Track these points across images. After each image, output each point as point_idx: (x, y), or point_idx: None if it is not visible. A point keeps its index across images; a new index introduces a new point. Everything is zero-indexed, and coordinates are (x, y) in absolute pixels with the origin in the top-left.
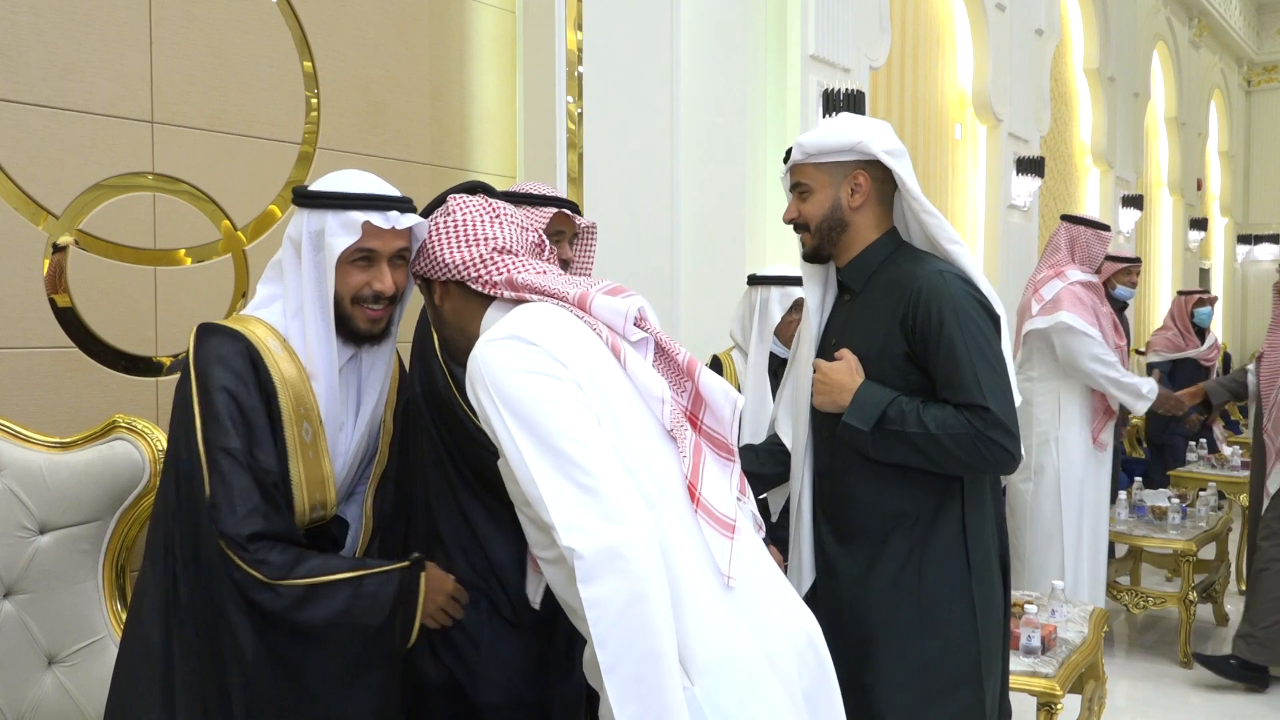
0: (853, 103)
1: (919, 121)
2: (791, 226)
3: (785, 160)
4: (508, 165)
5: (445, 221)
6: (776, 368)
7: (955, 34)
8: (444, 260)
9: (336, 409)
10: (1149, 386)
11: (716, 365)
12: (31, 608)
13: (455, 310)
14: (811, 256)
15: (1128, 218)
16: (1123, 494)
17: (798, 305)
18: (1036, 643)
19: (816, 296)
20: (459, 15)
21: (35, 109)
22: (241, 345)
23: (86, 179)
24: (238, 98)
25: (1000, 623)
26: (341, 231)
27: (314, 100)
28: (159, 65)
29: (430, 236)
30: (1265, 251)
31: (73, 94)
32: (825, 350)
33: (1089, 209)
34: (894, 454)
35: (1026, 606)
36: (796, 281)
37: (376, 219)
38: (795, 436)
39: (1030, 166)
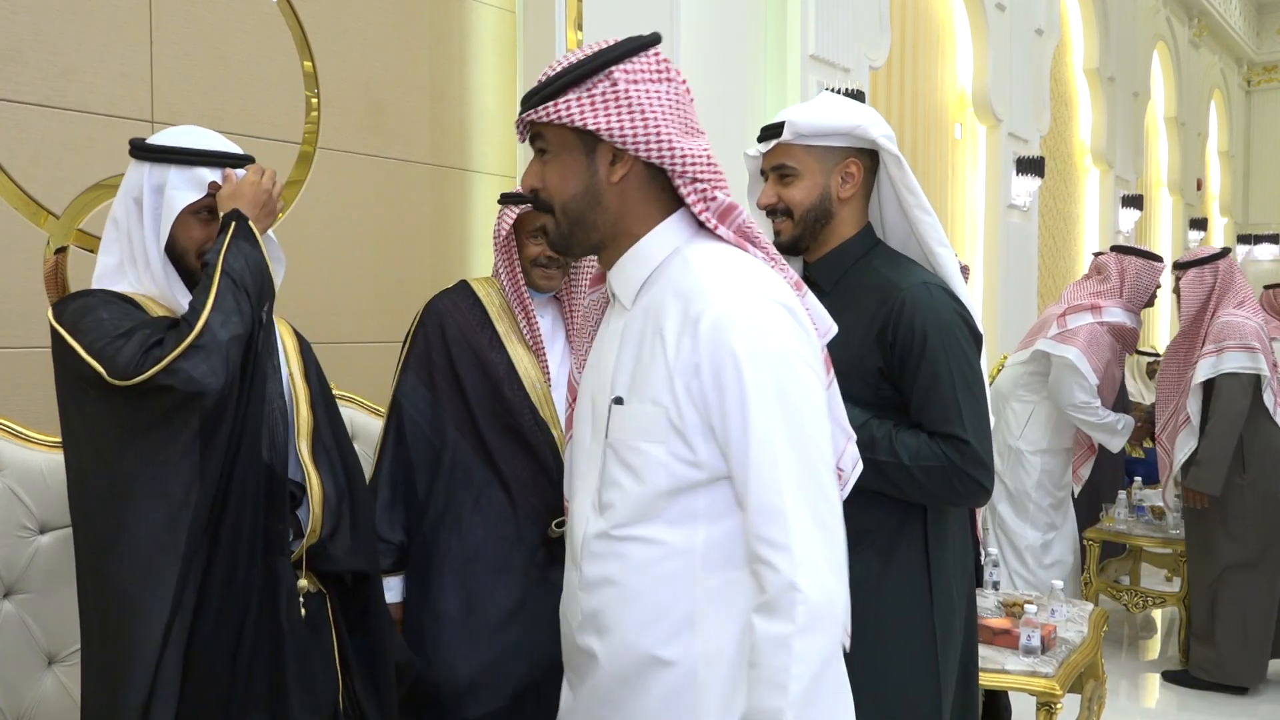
0: None
1: (919, 121)
2: (765, 212)
3: (762, 138)
4: (508, 165)
5: (669, 88)
6: None
7: (955, 34)
8: (664, 135)
9: None
10: (1124, 424)
11: None
12: (32, 607)
13: (625, 198)
14: (790, 248)
15: (1127, 218)
16: (1122, 494)
17: None
18: (1036, 643)
19: None
20: (459, 15)
21: (35, 109)
22: (107, 295)
23: (87, 178)
24: (238, 97)
25: (959, 648)
26: (185, 185)
27: (314, 100)
28: (159, 65)
29: (639, 88)
30: (1265, 251)
31: (73, 94)
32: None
33: (1089, 209)
34: (861, 479)
35: (1026, 606)
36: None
37: (220, 178)
38: None
39: (1030, 166)
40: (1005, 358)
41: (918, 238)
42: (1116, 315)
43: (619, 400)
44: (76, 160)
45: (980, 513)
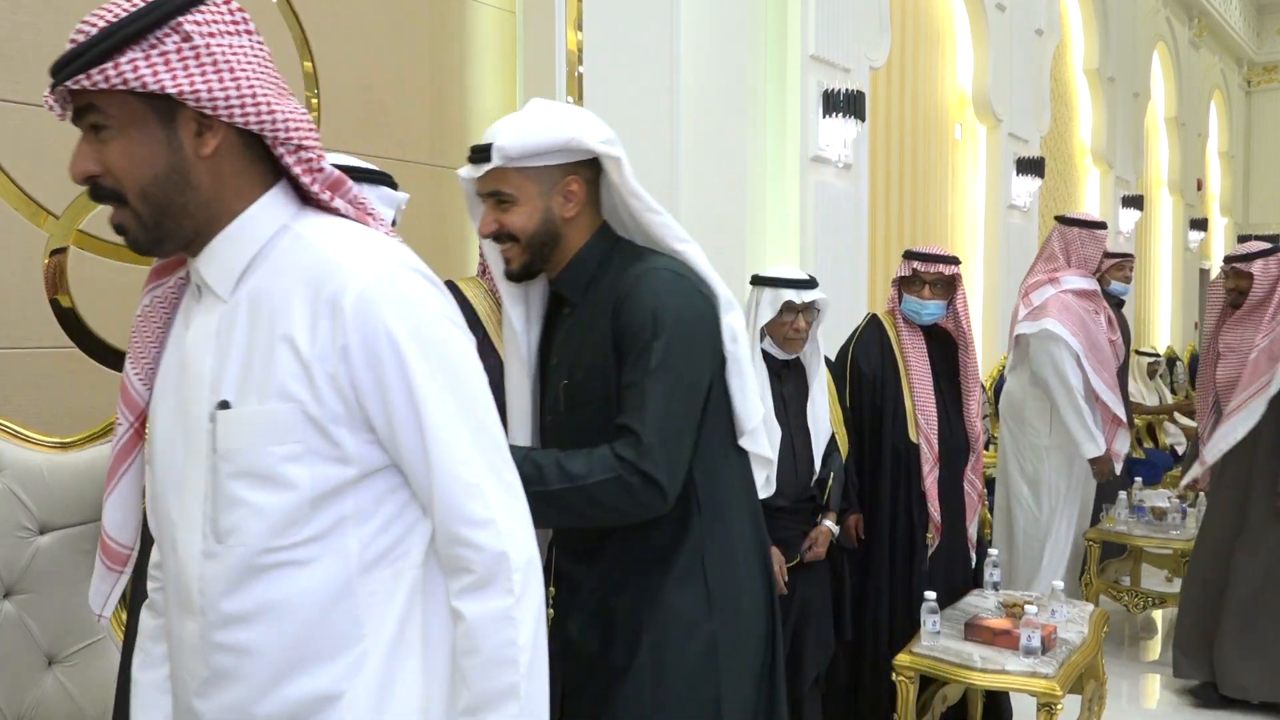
0: (853, 103)
1: (919, 121)
2: (492, 239)
3: (472, 158)
4: None
5: (251, 42)
6: (779, 369)
7: (955, 34)
8: (260, 96)
9: None
10: (1094, 450)
11: None
12: (32, 608)
13: (219, 174)
14: (520, 275)
15: (1128, 218)
16: (1123, 494)
17: (788, 307)
18: (1036, 643)
19: (521, 314)
20: (459, 15)
21: (36, 109)
22: None
23: None
24: None
25: (759, 654)
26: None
27: (314, 100)
28: None
29: (219, 41)
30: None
31: None
32: (545, 374)
33: (1089, 209)
34: (540, 518)
35: (1027, 607)
36: (792, 284)
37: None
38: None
39: (1030, 167)
40: (1006, 358)
41: (655, 241)
42: (1074, 281)
43: (224, 405)
44: None
45: (976, 515)
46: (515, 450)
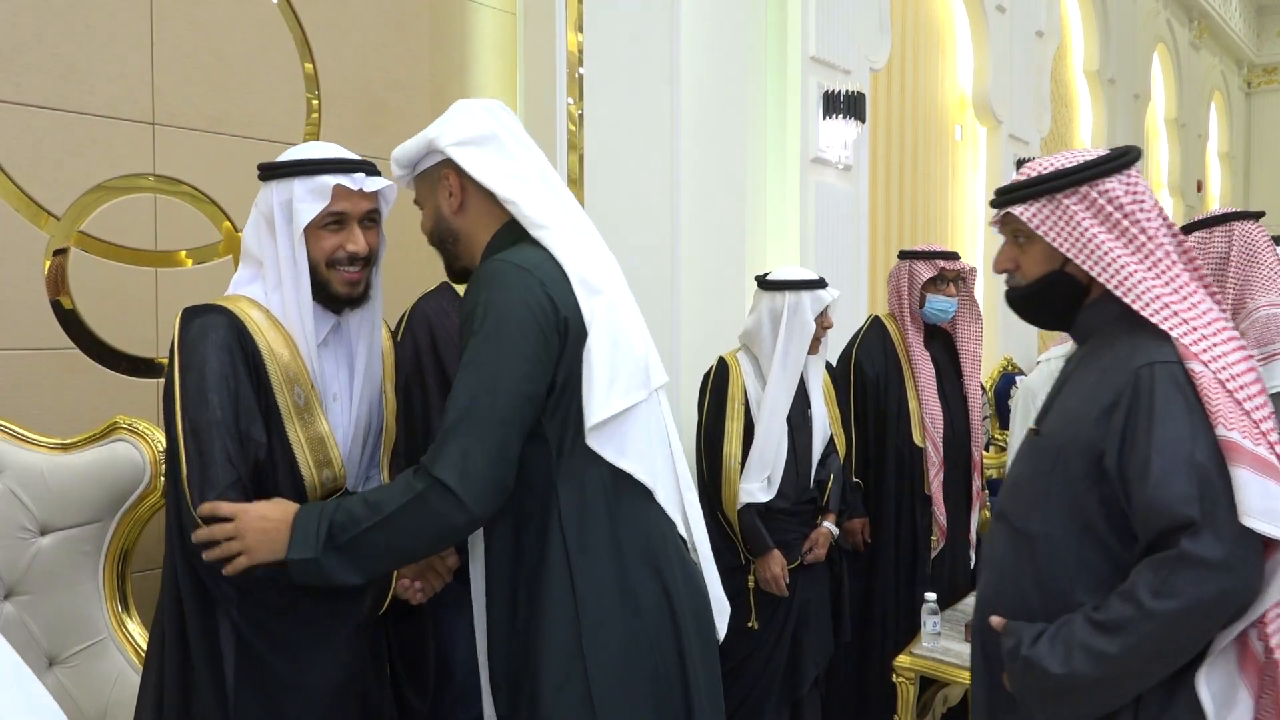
0: (853, 104)
1: (919, 123)
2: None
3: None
4: None
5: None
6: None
7: (955, 35)
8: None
9: (324, 372)
10: None
11: (723, 368)
12: (32, 609)
13: None
14: (453, 275)
15: None
16: None
17: (825, 310)
18: None
19: None
20: (459, 17)
21: (37, 110)
22: (225, 319)
23: (88, 180)
24: (239, 99)
25: (645, 680)
26: (310, 198)
27: (315, 101)
28: (160, 67)
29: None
30: None
31: (74, 95)
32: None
33: None
34: (361, 566)
35: None
36: (821, 284)
37: (345, 181)
38: None
39: None
40: (1006, 359)
41: (521, 226)
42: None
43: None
44: (77, 162)
45: (977, 515)
46: (328, 503)
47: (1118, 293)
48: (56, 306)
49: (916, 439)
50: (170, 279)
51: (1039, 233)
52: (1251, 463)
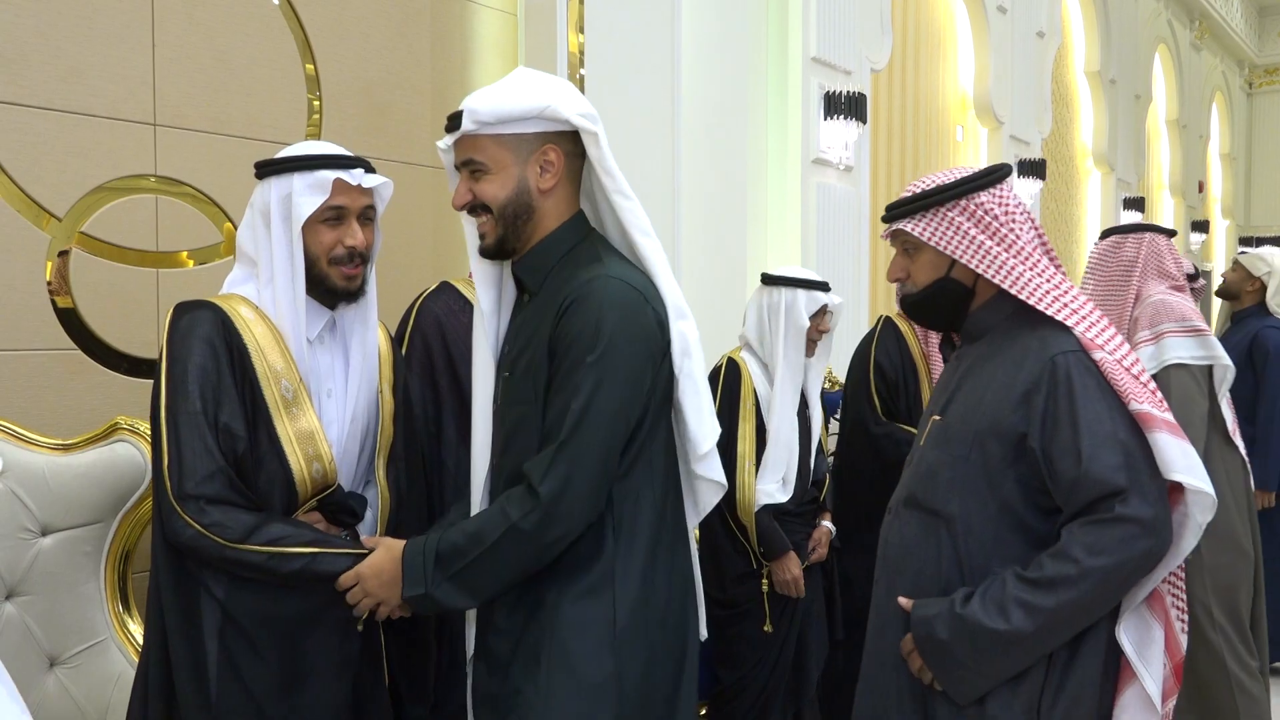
0: (854, 105)
1: (920, 124)
2: (466, 211)
3: (449, 127)
4: None
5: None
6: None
7: (956, 36)
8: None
9: (319, 368)
10: None
11: (733, 368)
12: (33, 609)
13: None
14: (495, 251)
15: (1129, 220)
16: None
17: (822, 311)
18: None
19: (492, 297)
20: (461, 18)
21: (38, 111)
22: (212, 314)
23: (89, 181)
24: (240, 100)
25: (675, 684)
26: (309, 192)
27: (316, 103)
28: (161, 68)
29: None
30: (1263, 252)
31: (75, 97)
32: (503, 363)
33: (1090, 211)
34: (473, 593)
35: None
36: (822, 286)
37: (344, 176)
38: (476, 457)
39: (1032, 169)
40: None
41: (621, 226)
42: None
43: None
44: (79, 163)
45: None
46: (430, 538)
47: (1011, 290)
48: (57, 307)
49: None
50: (171, 280)
51: (929, 242)
52: (1166, 428)
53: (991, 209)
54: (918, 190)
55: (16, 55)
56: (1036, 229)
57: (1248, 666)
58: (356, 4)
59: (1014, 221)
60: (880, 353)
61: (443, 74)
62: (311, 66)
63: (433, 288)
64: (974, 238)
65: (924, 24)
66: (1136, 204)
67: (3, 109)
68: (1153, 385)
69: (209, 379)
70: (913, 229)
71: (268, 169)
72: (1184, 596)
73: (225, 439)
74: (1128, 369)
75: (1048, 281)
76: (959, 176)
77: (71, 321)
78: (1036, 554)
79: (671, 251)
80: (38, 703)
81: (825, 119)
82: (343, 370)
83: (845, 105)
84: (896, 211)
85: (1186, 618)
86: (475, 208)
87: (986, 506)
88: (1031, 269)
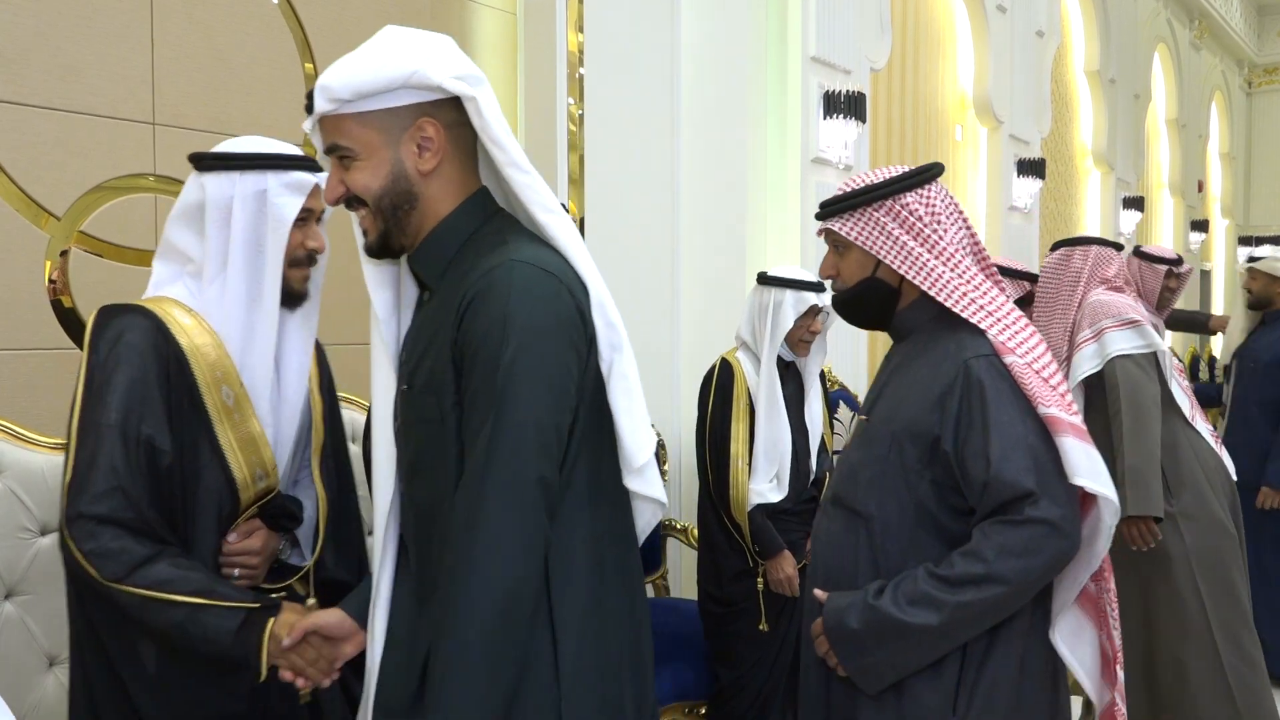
0: (854, 104)
1: (920, 123)
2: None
3: (307, 104)
4: None
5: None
6: (780, 370)
7: (956, 36)
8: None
9: (257, 372)
10: None
11: (726, 368)
12: (33, 609)
13: None
14: (380, 249)
15: (1129, 219)
16: None
17: (812, 310)
18: None
19: (387, 300)
20: (460, 17)
21: (37, 110)
22: (144, 320)
23: (88, 180)
24: (239, 99)
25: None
26: (289, 192)
27: None
28: (161, 67)
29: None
30: (1267, 253)
31: (75, 96)
32: (402, 375)
33: (1090, 211)
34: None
35: None
36: (814, 287)
37: (319, 179)
38: (379, 487)
39: (1031, 168)
40: None
41: (520, 204)
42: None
43: None
44: (78, 162)
45: None
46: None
47: (930, 292)
48: (57, 306)
49: None
50: None
51: (855, 241)
52: (1072, 432)
53: (916, 210)
54: (848, 189)
55: (16, 54)
56: (968, 229)
57: (1248, 657)
58: (356, 3)
59: (938, 222)
60: None
61: None
62: (311, 66)
63: None
64: (897, 238)
65: (923, 23)
66: (1136, 203)
67: (2, 108)
68: (1063, 389)
69: (134, 390)
70: (840, 228)
71: (233, 163)
72: (1114, 600)
73: (145, 453)
74: (1038, 372)
75: (967, 284)
76: (886, 176)
77: (71, 321)
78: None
79: (671, 251)
80: (37, 702)
81: (825, 118)
82: (283, 373)
83: (845, 104)
84: (826, 210)
85: (1117, 614)
86: (350, 201)
87: (903, 507)
88: (952, 270)
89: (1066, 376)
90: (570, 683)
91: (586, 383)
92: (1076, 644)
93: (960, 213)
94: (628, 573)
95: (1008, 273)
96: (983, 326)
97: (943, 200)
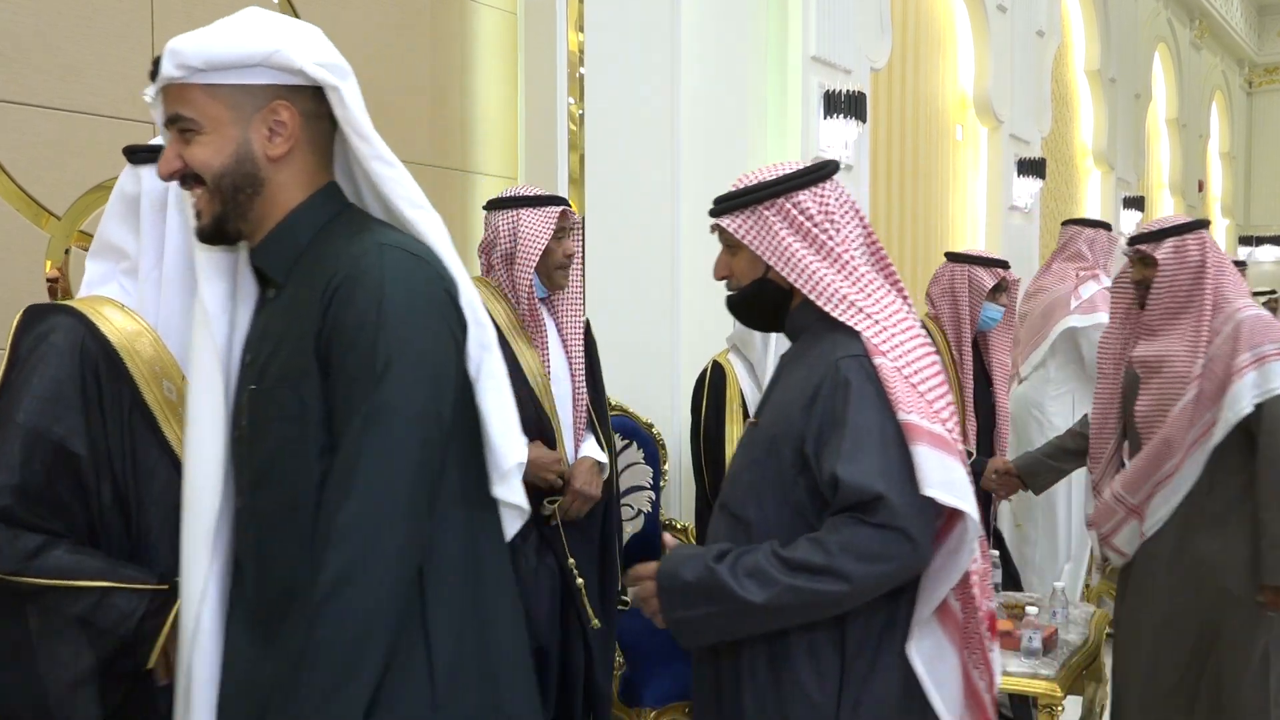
0: (854, 104)
1: (920, 123)
2: (179, 184)
3: (152, 72)
4: (509, 167)
5: None
6: None
7: (956, 35)
8: None
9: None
10: None
11: (718, 371)
12: None
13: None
14: (213, 233)
15: (1129, 219)
16: None
17: None
18: (1038, 644)
19: (220, 292)
20: (460, 17)
21: (38, 110)
22: (71, 319)
23: (88, 180)
24: None
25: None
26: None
27: None
28: None
29: None
30: (1266, 253)
31: (75, 95)
32: (247, 375)
33: (1090, 210)
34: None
35: (1028, 608)
36: None
37: None
38: (199, 499)
39: (1031, 168)
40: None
41: (383, 200)
42: (1107, 281)
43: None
44: (78, 162)
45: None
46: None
47: (810, 296)
48: None
49: None
50: None
51: (744, 241)
52: (929, 440)
53: (809, 208)
54: (740, 186)
55: (16, 54)
56: (864, 227)
57: None
58: (356, 3)
59: (831, 222)
60: None
61: (442, 73)
62: None
63: None
64: (781, 239)
65: (924, 23)
66: (1136, 203)
67: (2, 108)
68: (936, 396)
69: (49, 390)
70: (730, 225)
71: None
72: (991, 636)
73: (56, 454)
74: (907, 378)
75: (852, 286)
76: (781, 174)
77: None
78: None
79: (671, 252)
80: None
81: (825, 118)
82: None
83: (845, 104)
84: (718, 207)
85: (995, 654)
86: (186, 178)
87: (781, 511)
88: (838, 271)
89: (1220, 397)
90: (446, 688)
91: (460, 378)
92: (936, 664)
93: (856, 211)
94: (507, 577)
95: (980, 260)
96: (859, 328)
97: (837, 198)
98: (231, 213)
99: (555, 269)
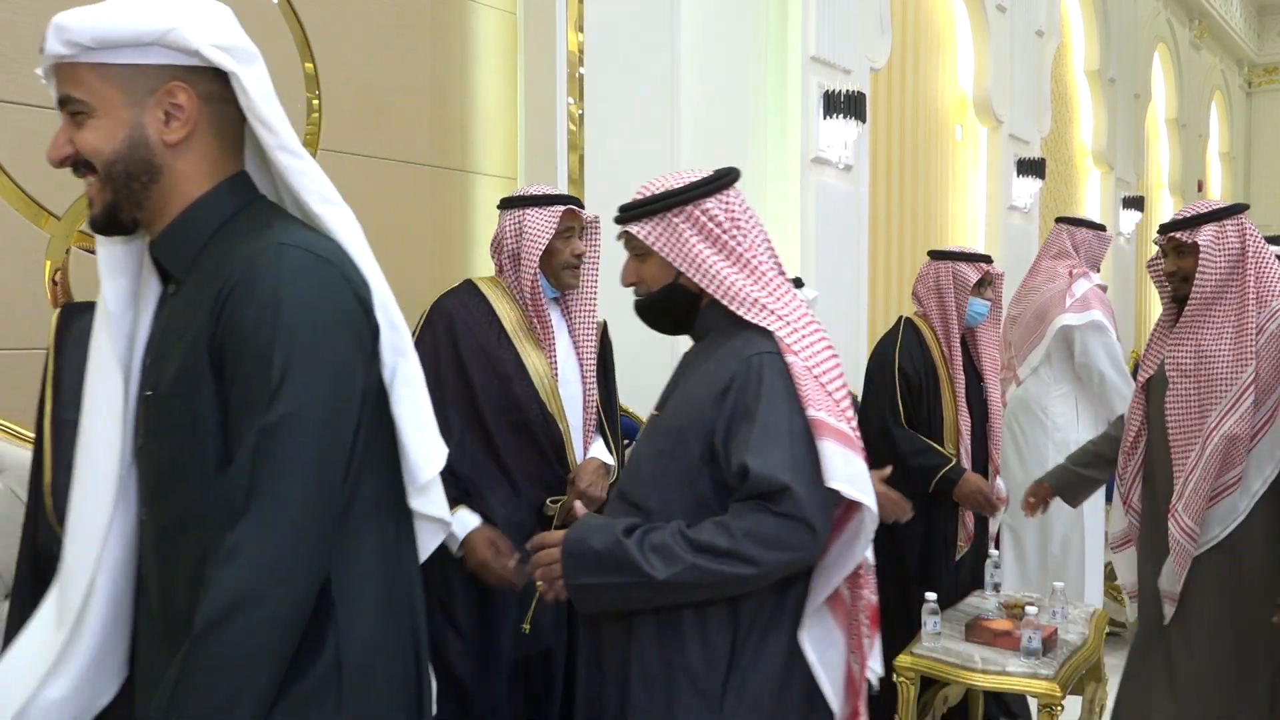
0: (854, 104)
1: (920, 123)
2: (71, 170)
3: (43, 45)
4: (509, 167)
5: None
6: None
7: (956, 35)
8: None
9: None
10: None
11: None
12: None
13: None
14: (105, 223)
15: (1128, 219)
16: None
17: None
18: (1037, 644)
19: (122, 290)
20: (460, 17)
21: (38, 110)
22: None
23: None
24: None
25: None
26: None
27: (315, 101)
28: None
29: None
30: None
31: None
32: (145, 380)
33: (1089, 210)
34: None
35: (1027, 608)
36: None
37: None
38: (91, 514)
39: (1031, 168)
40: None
41: (291, 192)
42: (1097, 279)
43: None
44: None
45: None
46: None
47: (722, 300)
48: (58, 306)
49: (949, 445)
50: None
51: (654, 248)
52: (835, 436)
53: (717, 215)
54: (647, 194)
55: (15, 54)
56: (764, 232)
57: None
58: (356, 3)
59: (738, 228)
60: (904, 356)
61: (442, 73)
62: (311, 65)
63: (455, 286)
64: (692, 245)
65: (923, 23)
66: (1136, 203)
67: (2, 108)
68: (840, 395)
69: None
70: (639, 232)
71: None
72: (871, 623)
73: None
74: (816, 378)
75: (762, 289)
76: (688, 181)
77: None
78: None
79: None
80: None
81: (825, 118)
82: None
83: (845, 104)
84: (625, 215)
85: (873, 641)
86: (77, 164)
87: (684, 502)
88: (749, 275)
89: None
90: (355, 702)
91: (370, 386)
92: (826, 650)
93: (755, 218)
94: (411, 592)
95: (964, 256)
96: (771, 328)
97: (740, 205)
98: (125, 201)
99: (562, 269)
